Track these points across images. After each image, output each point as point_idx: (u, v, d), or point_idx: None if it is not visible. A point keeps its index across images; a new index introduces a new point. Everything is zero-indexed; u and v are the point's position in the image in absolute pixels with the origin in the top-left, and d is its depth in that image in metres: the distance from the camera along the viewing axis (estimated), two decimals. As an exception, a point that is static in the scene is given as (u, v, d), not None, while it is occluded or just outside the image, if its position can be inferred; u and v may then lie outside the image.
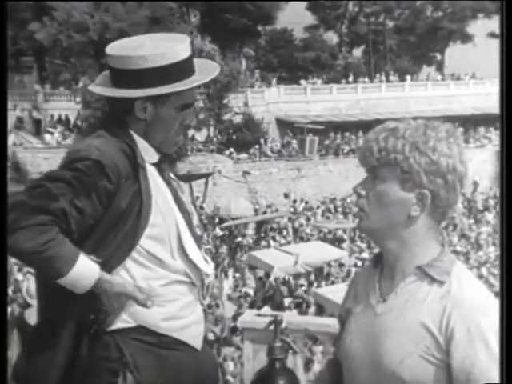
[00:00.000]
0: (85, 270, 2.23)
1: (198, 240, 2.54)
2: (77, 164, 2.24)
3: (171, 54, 2.31)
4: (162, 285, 2.37)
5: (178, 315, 2.40)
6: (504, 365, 2.09)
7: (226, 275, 24.56)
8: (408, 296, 2.11)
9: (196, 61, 2.43)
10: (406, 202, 2.08)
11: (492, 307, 2.05)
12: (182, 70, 2.34)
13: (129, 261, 2.34)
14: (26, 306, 7.57)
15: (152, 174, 2.39)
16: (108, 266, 2.30)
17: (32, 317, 7.09)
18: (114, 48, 2.37)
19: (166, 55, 2.30)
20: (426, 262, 2.13)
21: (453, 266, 2.15)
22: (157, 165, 2.44)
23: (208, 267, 2.49)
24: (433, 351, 2.03)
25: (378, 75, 51.82)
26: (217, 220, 32.66)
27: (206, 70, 2.42)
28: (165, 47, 2.32)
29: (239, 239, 28.67)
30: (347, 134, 41.60)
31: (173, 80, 2.32)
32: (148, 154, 2.39)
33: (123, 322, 2.35)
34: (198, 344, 2.45)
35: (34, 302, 7.20)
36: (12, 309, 8.55)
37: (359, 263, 23.55)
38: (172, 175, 2.53)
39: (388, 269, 2.19)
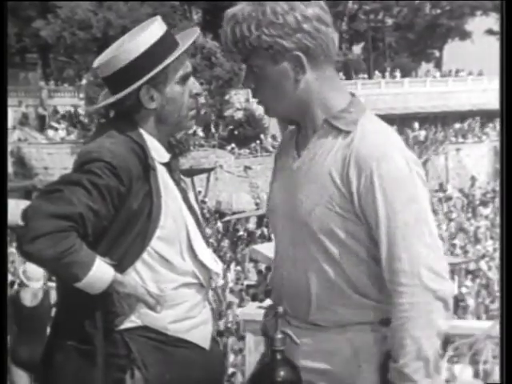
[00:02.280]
0: (100, 273, 2.19)
1: (206, 239, 2.48)
2: (89, 166, 2.19)
3: (146, 37, 2.26)
4: (171, 288, 2.32)
5: (187, 316, 2.36)
6: (504, 365, 2.30)
7: (228, 268, 24.77)
8: (317, 149, 2.16)
9: (178, 36, 2.40)
10: (286, 72, 2.14)
11: (391, 154, 2.08)
12: (165, 46, 2.28)
13: (139, 263, 2.29)
14: (22, 286, 7.63)
15: (162, 174, 2.33)
16: (119, 267, 2.26)
17: (28, 298, 7.36)
18: (99, 59, 2.33)
19: (143, 40, 2.26)
20: (332, 114, 2.17)
21: (361, 115, 2.16)
22: (167, 165, 2.37)
23: (217, 266, 2.44)
24: (337, 201, 2.09)
25: (376, 72, 51.80)
26: (218, 214, 32.79)
27: (187, 36, 2.38)
28: (138, 34, 2.28)
29: (241, 233, 28.80)
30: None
31: (161, 59, 2.25)
32: (158, 153, 2.33)
33: (131, 322, 2.31)
34: (206, 344, 2.41)
35: (31, 283, 7.36)
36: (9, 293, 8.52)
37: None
38: (181, 176, 2.46)
39: (303, 129, 2.25)
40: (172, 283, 2.33)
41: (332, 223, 2.12)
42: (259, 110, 41.38)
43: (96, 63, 2.32)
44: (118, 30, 36.69)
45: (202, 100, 40.15)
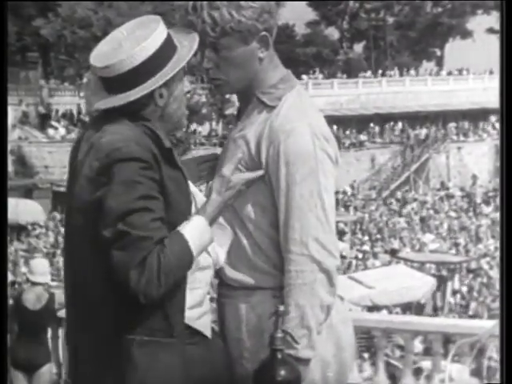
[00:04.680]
0: (199, 234, 2.24)
1: None
2: (129, 163, 2.19)
3: (155, 39, 2.29)
4: (191, 271, 2.33)
5: (198, 303, 2.38)
6: (504, 365, 2.31)
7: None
8: (246, 122, 2.34)
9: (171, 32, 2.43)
10: (253, 52, 2.29)
11: (299, 129, 2.23)
12: (171, 43, 2.33)
13: None
14: (28, 284, 7.55)
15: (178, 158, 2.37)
16: None
17: (30, 301, 7.10)
18: (100, 61, 2.31)
19: (152, 43, 2.28)
20: (261, 90, 2.33)
21: (288, 91, 2.33)
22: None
23: (221, 252, 2.47)
24: (246, 160, 2.28)
25: (379, 71, 51.87)
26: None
27: (182, 32, 2.42)
28: (146, 36, 2.29)
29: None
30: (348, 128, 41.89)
31: (170, 56, 2.32)
32: (167, 140, 2.35)
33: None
34: (208, 332, 2.40)
35: (36, 278, 7.15)
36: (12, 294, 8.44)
37: (360, 255, 23.75)
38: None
39: (243, 102, 2.42)
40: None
41: (251, 196, 2.29)
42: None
43: (98, 63, 2.30)
44: (118, 29, 36.87)
45: (203, 99, 40.31)
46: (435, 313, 17.57)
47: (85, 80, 35.45)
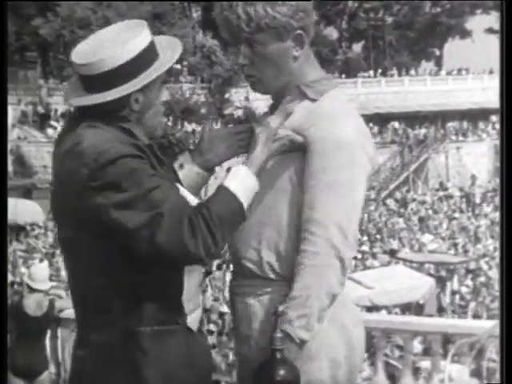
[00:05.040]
0: (242, 183, 2.27)
1: None
2: (121, 161, 2.20)
3: (139, 42, 2.31)
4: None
5: (189, 298, 2.43)
6: (504, 365, 2.34)
7: (228, 267, 24.82)
8: (286, 110, 2.35)
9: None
10: (288, 50, 2.34)
11: (343, 120, 2.30)
12: (154, 50, 2.34)
13: None
14: (24, 294, 7.44)
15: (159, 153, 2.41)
16: None
17: (30, 307, 7.03)
18: (82, 58, 2.31)
19: (135, 45, 2.30)
20: (305, 83, 2.39)
21: (330, 89, 2.40)
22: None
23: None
24: (287, 144, 2.31)
25: (379, 70, 51.87)
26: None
27: (168, 41, 2.46)
28: (130, 39, 2.31)
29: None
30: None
31: (151, 62, 2.33)
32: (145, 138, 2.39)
33: None
34: (194, 327, 2.44)
35: (37, 285, 7.08)
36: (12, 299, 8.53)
37: (359, 256, 23.75)
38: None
39: (280, 98, 2.42)
40: None
41: (285, 159, 2.33)
42: (259, 108, 41.49)
43: (79, 60, 2.30)
44: (117, 29, 36.85)
45: (201, 99, 40.31)
46: (440, 314, 17.57)
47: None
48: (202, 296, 2.49)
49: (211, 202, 2.20)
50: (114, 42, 2.29)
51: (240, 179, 2.26)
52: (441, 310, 18.02)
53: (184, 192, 2.37)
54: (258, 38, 2.31)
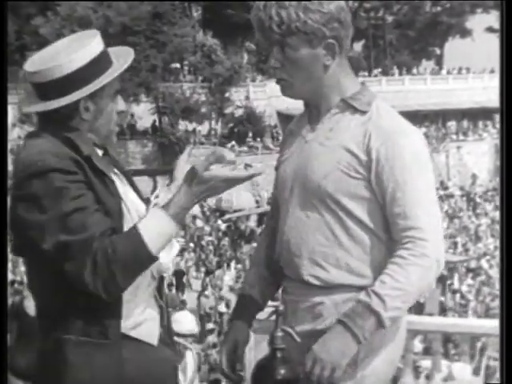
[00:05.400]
0: (156, 228, 2.23)
1: None
2: (44, 178, 2.20)
3: (89, 51, 2.33)
4: None
5: (132, 313, 2.35)
6: (504, 365, 2.35)
7: (229, 267, 24.82)
8: (332, 125, 2.41)
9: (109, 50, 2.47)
10: (319, 57, 2.37)
11: (409, 131, 2.40)
12: (106, 60, 2.37)
13: None
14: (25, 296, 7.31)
15: (100, 163, 2.36)
16: None
17: (31, 307, 7.27)
18: (34, 66, 2.34)
19: (85, 54, 2.32)
20: (348, 96, 2.42)
21: (373, 99, 2.45)
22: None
23: (165, 257, 2.42)
24: (355, 167, 2.34)
25: (379, 69, 51.82)
26: (218, 212, 32.84)
27: (120, 51, 2.48)
28: (80, 47, 2.34)
29: (241, 231, 28.83)
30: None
31: (102, 71, 2.35)
32: (91, 148, 2.37)
33: None
34: (153, 340, 2.39)
35: None
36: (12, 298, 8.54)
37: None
38: (116, 170, 2.49)
39: (315, 108, 2.47)
40: None
41: (346, 185, 2.35)
42: (259, 107, 41.52)
43: (30, 68, 2.34)
44: (117, 28, 36.73)
45: (202, 98, 40.28)
46: (445, 313, 17.57)
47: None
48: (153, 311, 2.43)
49: (119, 242, 2.18)
50: (65, 51, 2.32)
51: (155, 224, 2.22)
52: (444, 310, 18.02)
53: (132, 203, 2.38)
54: (289, 42, 2.34)
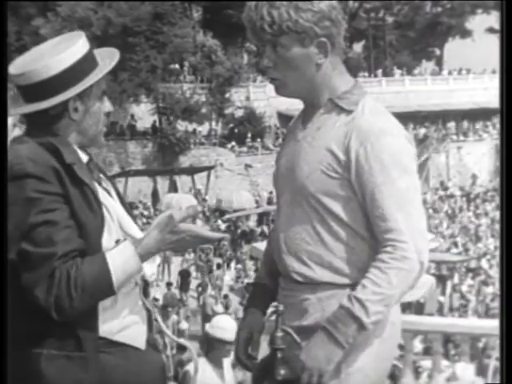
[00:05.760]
0: (122, 260, 2.22)
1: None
2: (22, 181, 2.20)
3: (74, 51, 2.32)
4: None
5: (117, 316, 2.33)
6: (504, 363, 2.35)
7: (229, 267, 24.84)
8: (320, 124, 2.40)
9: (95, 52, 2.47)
10: (311, 56, 2.36)
11: (390, 131, 2.32)
12: (92, 60, 2.37)
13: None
14: None
15: (82, 172, 2.33)
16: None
17: None
18: (18, 68, 2.33)
19: (71, 55, 2.31)
20: (337, 95, 2.40)
21: (362, 97, 2.41)
22: (86, 165, 2.39)
23: (148, 269, 2.42)
24: (334, 167, 2.32)
25: (379, 70, 51.86)
26: (218, 212, 32.88)
27: (105, 52, 2.47)
28: (66, 48, 2.32)
29: (241, 231, 28.85)
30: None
31: (89, 71, 2.34)
32: (74, 155, 2.35)
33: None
34: (141, 344, 2.39)
35: None
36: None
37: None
38: (102, 175, 2.48)
39: (308, 107, 2.47)
40: None
41: (327, 184, 2.35)
42: (259, 108, 41.57)
43: (15, 70, 2.33)
44: (118, 29, 36.75)
45: (202, 98, 40.29)
46: (452, 313, 17.57)
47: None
48: (141, 311, 2.43)
49: (85, 266, 2.17)
50: (50, 53, 2.31)
51: (124, 259, 2.22)
52: (451, 309, 18.02)
53: (115, 213, 2.36)
54: (281, 41, 2.34)
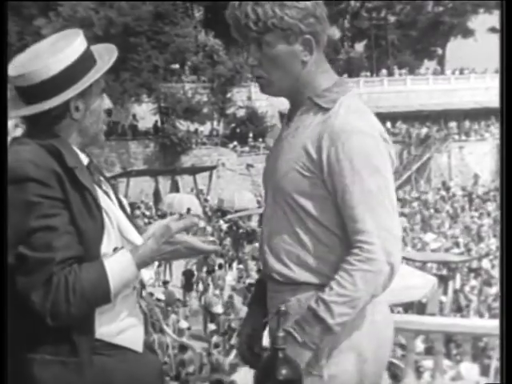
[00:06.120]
0: (119, 268, 2.22)
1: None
2: (23, 184, 2.17)
3: (73, 51, 2.30)
4: None
5: (115, 319, 2.32)
6: (504, 362, 2.31)
7: (231, 267, 24.83)
8: (299, 123, 2.39)
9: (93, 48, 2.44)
10: (296, 53, 2.35)
11: (361, 130, 2.29)
12: (90, 58, 2.35)
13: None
14: None
15: (83, 175, 2.31)
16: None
17: None
18: (17, 69, 2.31)
19: (70, 53, 2.30)
20: (317, 93, 2.39)
21: (342, 95, 2.38)
22: (87, 168, 2.37)
23: (146, 273, 2.44)
24: (308, 166, 2.31)
25: (381, 70, 51.85)
26: (220, 212, 32.88)
27: (103, 49, 2.45)
28: (64, 47, 2.31)
29: (243, 231, 28.84)
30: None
31: (88, 69, 2.33)
32: (75, 157, 2.33)
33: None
34: (138, 347, 2.38)
35: None
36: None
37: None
38: (102, 178, 2.47)
39: (295, 105, 2.45)
40: None
41: (302, 184, 2.33)
42: (261, 108, 41.58)
43: (14, 72, 2.30)
44: (119, 29, 36.76)
45: (204, 98, 40.32)
46: (461, 313, 17.56)
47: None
48: (138, 314, 2.44)
49: (83, 273, 2.17)
50: (48, 52, 2.29)
51: (123, 266, 2.23)
52: (460, 310, 18.00)
53: (115, 217, 2.34)
54: (266, 39, 2.33)
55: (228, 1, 2.37)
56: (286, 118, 2.51)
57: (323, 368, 2.32)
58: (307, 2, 2.33)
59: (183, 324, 15.93)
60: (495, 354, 7.69)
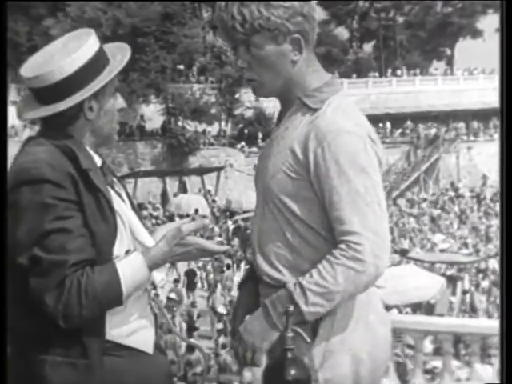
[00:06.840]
0: (131, 269, 2.23)
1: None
2: (38, 186, 2.18)
3: (87, 51, 2.30)
4: None
5: (127, 321, 2.33)
6: (504, 362, 2.32)
7: (238, 267, 24.84)
8: (288, 123, 2.36)
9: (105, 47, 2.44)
10: (285, 53, 2.31)
11: (347, 130, 2.25)
12: (103, 57, 2.35)
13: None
14: None
15: (97, 177, 2.31)
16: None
17: None
18: (31, 71, 2.31)
19: (84, 54, 2.30)
20: (306, 93, 2.35)
21: (332, 95, 2.35)
22: (100, 169, 2.37)
23: (158, 275, 2.41)
24: (295, 168, 2.28)
25: (389, 70, 51.80)
26: (228, 213, 32.89)
27: (115, 48, 2.44)
28: (77, 48, 2.31)
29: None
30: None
31: (101, 69, 2.33)
32: (90, 159, 2.34)
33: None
34: (149, 348, 2.38)
35: None
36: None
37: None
38: (114, 179, 2.48)
39: (285, 106, 2.42)
40: None
41: (288, 185, 2.31)
42: (269, 108, 41.55)
43: (28, 73, 2.31)
44: (127, 29, 36.83)
45: (212, 99, 40.35)
46: (476, 313, 17.54)
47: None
48: (149, 316, 2.45)
49: (96, 275, 2.17)
50: (62, 53, 2.28)
51: (135, 269, 2.24)
52: (474, 310, 17.96)
53: (127, 219, 2.34)
54: (254, 40, 2.30)
55: (236, 1, 2.34)
56: (277, 118, 2.49)
57: (318, 372, 2.30)
58: (294, 1, 2.29)
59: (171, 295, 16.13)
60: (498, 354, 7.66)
